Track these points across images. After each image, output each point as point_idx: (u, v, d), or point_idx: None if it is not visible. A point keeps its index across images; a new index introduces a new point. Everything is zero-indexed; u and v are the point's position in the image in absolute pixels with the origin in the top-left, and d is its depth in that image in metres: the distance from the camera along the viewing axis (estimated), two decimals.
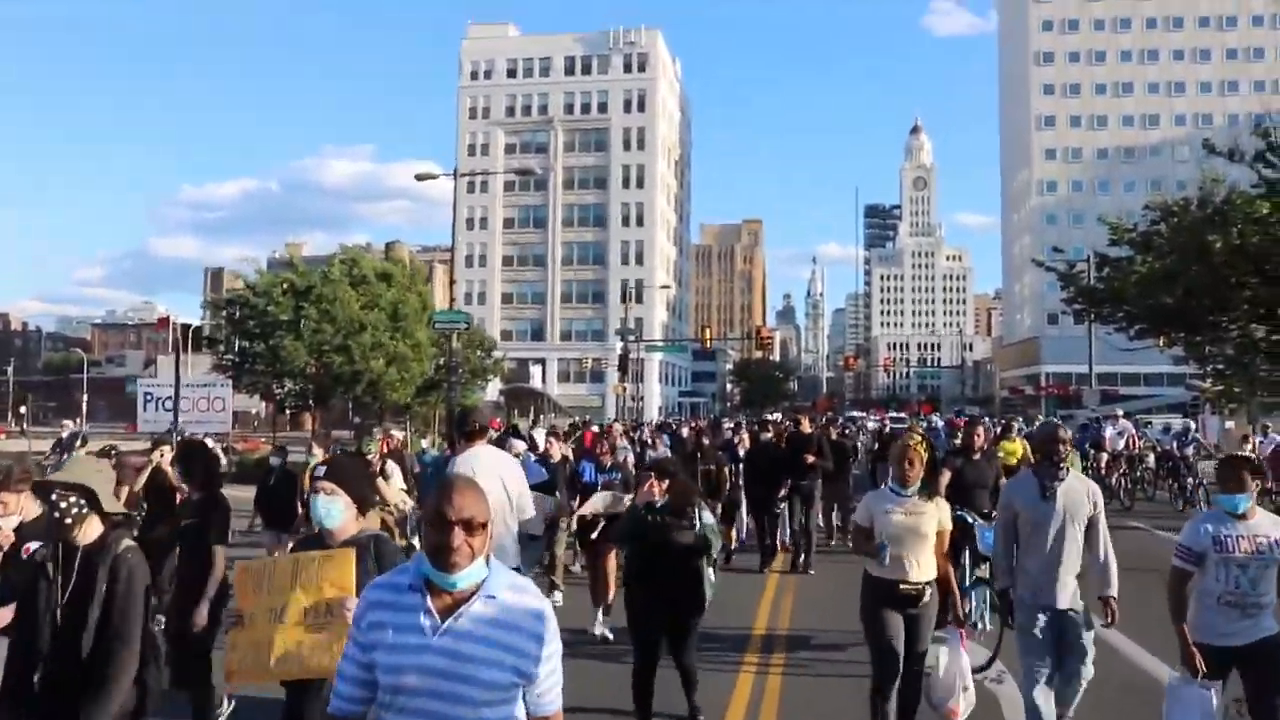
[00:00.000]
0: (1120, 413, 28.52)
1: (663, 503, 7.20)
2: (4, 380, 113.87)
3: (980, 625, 9.20)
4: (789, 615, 11.68)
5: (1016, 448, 17.49)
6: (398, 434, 16.92)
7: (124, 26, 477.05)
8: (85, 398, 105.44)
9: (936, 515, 6.48)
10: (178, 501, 10.47)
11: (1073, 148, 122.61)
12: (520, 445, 11.57)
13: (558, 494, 11.40)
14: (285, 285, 37.28)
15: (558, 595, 12.05)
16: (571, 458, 14.00)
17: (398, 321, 37.84)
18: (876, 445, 23.24)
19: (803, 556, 14.46)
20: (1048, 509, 6.34)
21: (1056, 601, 6.31)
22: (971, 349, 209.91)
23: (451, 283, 31.38)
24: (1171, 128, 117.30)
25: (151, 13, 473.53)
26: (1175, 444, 24.47)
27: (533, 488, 8.95)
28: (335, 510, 4.44)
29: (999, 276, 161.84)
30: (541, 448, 13.54)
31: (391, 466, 12.14)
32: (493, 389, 65.76)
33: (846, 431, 28.50)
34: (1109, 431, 26.18)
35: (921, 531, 6.38)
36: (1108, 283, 29.09)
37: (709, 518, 7.32)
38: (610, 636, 10.02)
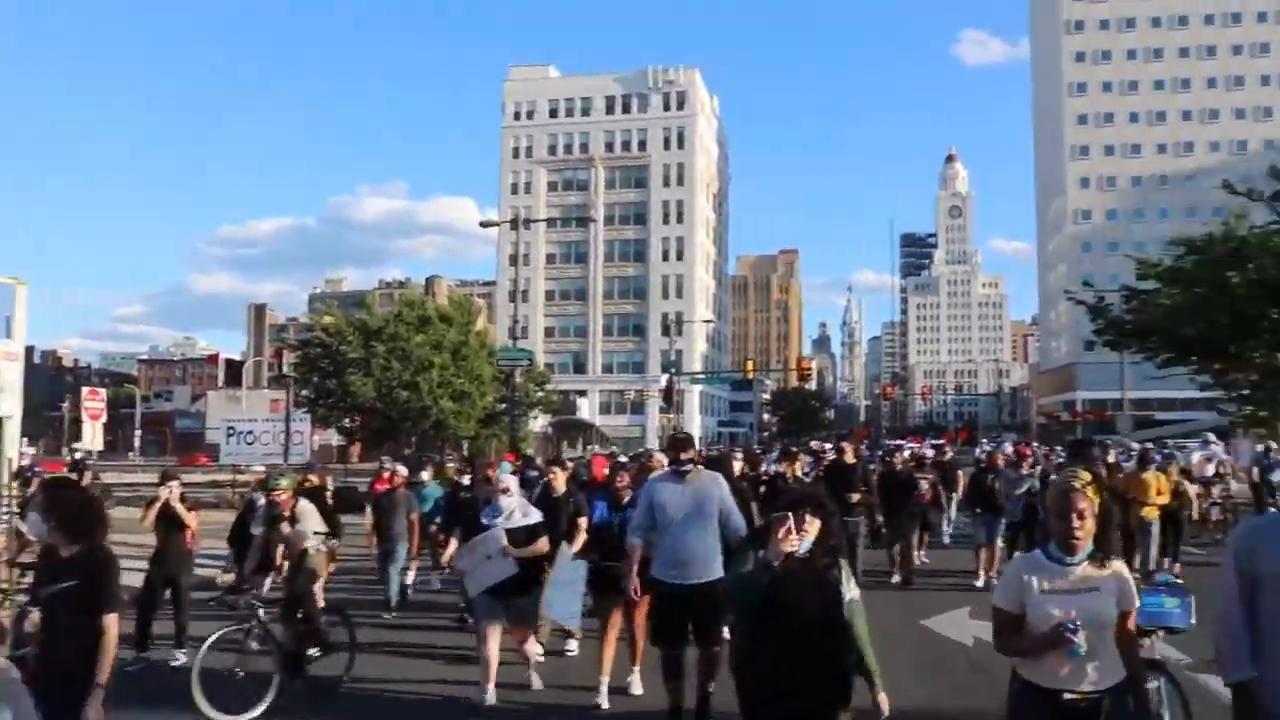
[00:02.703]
0: (1211, 436, 26.96)
1: (805, 553, 4.94)
2: (60, 417, 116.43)
3: None
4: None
5: (1156, 482, 15.07)
6: (402, 469, 15.57)
7: (165, 67, 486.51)
8: (139, 432, 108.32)
9: (1117, 589, 4.54)
10: (188, 539, 11.15)
11: (1107, 176, 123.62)
12: (510, 480, 9.78)
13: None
14: (358, 325, 39.71)
15: (572, 643, 10.76)
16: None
17: (460, 360, 40.01)
18: (941, 473, 21.23)
19: None
20: None
21: None
22: (1008, 376, 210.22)
23: (514, 322, 33.37)
24: (1206, 155, 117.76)
25: (191, 51, 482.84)
26: (1257, 469, 22.43)
27: (528, 529, 9.03)
28: None
29: (1036, 303, 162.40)
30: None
31: (304, 508, 10.06)
32: (540, 421, 67.61)
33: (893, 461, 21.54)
34: (1196, 457, 23.58)
35: (1100, 617, 4.45)
36: (1135, 315, 30.53)
37: (855, 587, 5.15)
38: (641, 690, 9.02)
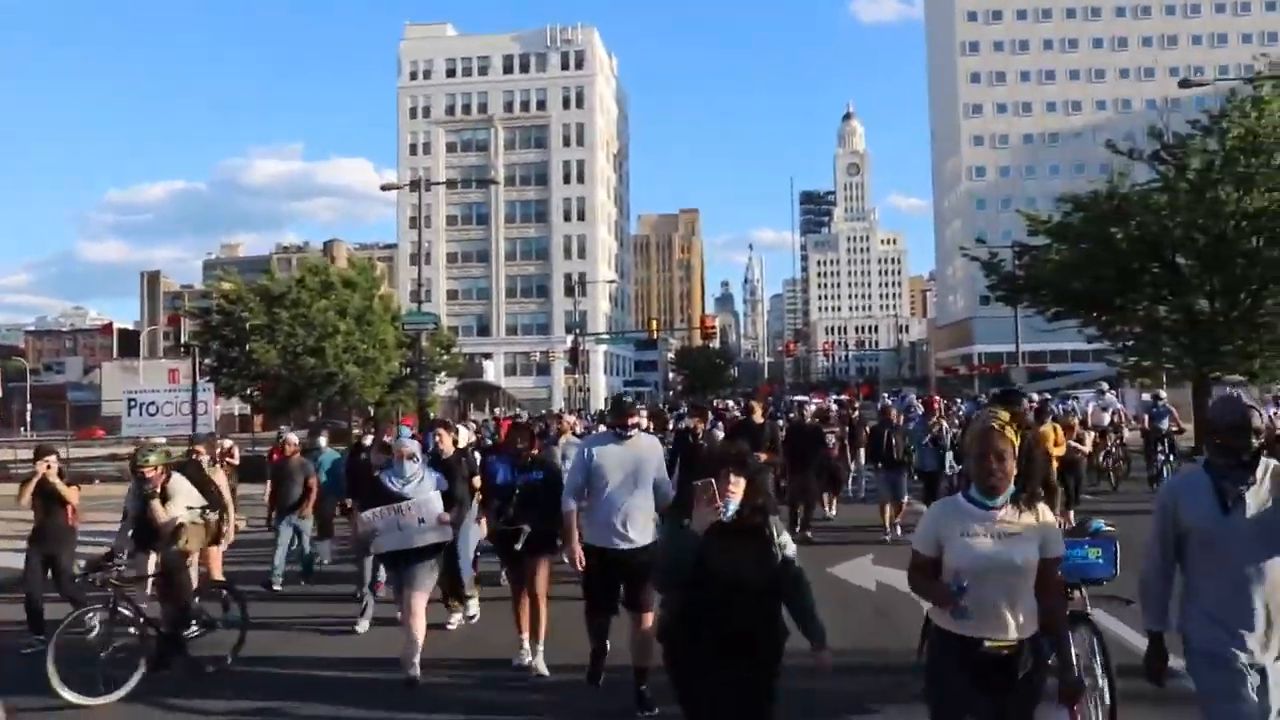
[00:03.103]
0: (1106, 386, 27.10)
1: (733, 515, 4.59)
2: None
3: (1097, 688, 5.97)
4: None
5: (1054, 433, 14.74)
6: (293, 437, 15.31)
7: (42, 25, 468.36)
8: (30, 406, 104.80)
9: (1040, 535, 4.37)
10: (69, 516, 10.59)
11: (1000, 134, 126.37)
12: (413, 446, 9.36)
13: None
14: (259, 291, 39.18)
15: (456, 617, 10.54)
16: (476, 453, 12.67)
17: (364, 325, 39.72)
18: (848, 428, 21.36)
19: None
20: (1230, 526, 4.25)
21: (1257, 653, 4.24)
22: (908, 330, 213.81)
23: (418, 286, 33.27)
24: (1093, 113, 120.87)
25: (70, 10, 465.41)
26: (1147, 417, 22.53)
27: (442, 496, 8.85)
28: None
29: (933, 258, 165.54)
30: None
31: (176, 483, 9.43)
32: (447, 385, 67.30)
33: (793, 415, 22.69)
34: (1092, 406, 23.88)
35: (1017, 563, 4.28)
36: (1026, 270, 31.52)
37: (790, 542, 4.85)
38: (546, 672, 8.54)
